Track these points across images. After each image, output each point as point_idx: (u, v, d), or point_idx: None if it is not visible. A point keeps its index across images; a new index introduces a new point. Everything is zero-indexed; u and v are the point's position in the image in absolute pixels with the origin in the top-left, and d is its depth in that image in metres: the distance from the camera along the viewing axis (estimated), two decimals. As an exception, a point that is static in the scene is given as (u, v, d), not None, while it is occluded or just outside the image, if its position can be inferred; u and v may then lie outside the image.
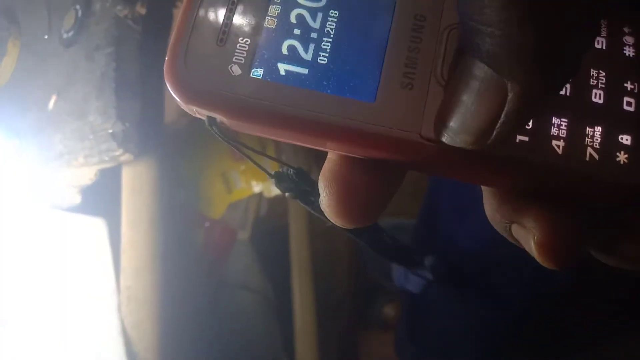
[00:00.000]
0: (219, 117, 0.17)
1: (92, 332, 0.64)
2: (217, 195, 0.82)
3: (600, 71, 0.17)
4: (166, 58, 0.17)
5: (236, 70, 0.17)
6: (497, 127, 0.14)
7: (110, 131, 0.56)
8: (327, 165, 0.18)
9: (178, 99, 0.17)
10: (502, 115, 0.14)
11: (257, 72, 0.17)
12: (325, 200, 0.17)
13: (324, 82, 0.17)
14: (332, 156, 0.18)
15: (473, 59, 0.14)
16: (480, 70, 0.14)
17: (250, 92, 0.17)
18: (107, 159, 0.58)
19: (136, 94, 0.58)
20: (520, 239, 0.18)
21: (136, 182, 0.63)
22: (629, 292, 0.45)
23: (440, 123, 0.16)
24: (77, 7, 0.62)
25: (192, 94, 0.17)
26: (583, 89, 0.17)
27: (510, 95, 0.14)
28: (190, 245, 0.79)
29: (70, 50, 0.63)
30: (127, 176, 0.63)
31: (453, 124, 0.15)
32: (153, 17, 0.60)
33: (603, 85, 0.17)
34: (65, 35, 0.63)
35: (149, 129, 0.58)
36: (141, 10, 0.59)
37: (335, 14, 0.18)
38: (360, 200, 0.17)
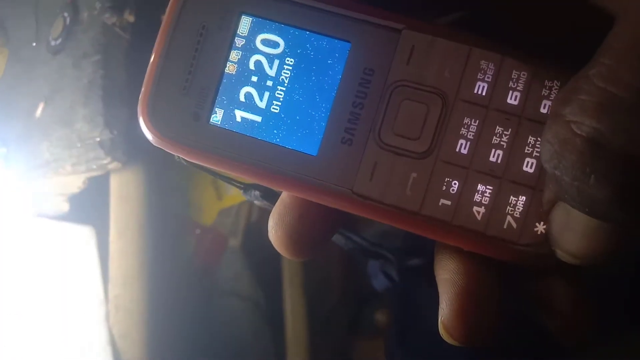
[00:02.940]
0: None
1: (80, 342, 0.63)
2: (208, 201, 0.82)
3: (538, 139, 0.17)
4: (139, 98, 0.19)
5: (196, 117, 0.19)
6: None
7: (98, 139, 0.56)
8: (280, 203, 0.19)
9: (149, 139, 0.19)
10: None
11: (216, 118, 0.19)
12: (274, 233, 0.19)
13: (275, 131, 0.18)
14: (284, 196, 0.19)
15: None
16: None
17: (207, 139, 0.18)
18: (94, 167, 0.58)
19: (124, 101, 0.57)
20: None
21: (124, 190, 0.63)
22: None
23: (554, 243, 0.16)
24: (65, 14, 0.62)
25: (157, 138, 0.19)
26: (515, 157, 0.17)
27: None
28: (180, 253, 0.78)
29: (57, 58, 0.63)
30: (116, 184, 0.63)
31: (566, 247, 0.16)
32: (141, 24, 0.59)
33: (537, 154, 0.17)
34: (53, 43, 0.63)
35: (136, 137, 0.58)
36: (129, 17, 0.59)
37: (291, 61, 0.18)
38: (307, 235, 0.19)
